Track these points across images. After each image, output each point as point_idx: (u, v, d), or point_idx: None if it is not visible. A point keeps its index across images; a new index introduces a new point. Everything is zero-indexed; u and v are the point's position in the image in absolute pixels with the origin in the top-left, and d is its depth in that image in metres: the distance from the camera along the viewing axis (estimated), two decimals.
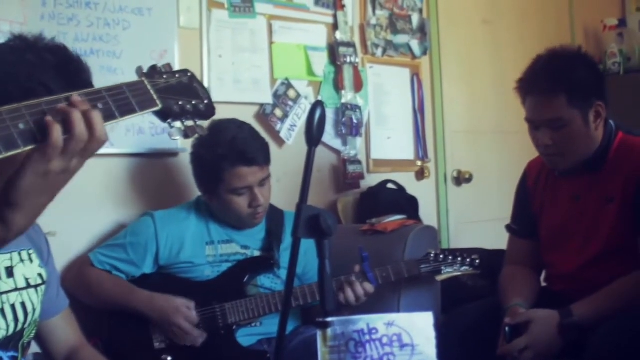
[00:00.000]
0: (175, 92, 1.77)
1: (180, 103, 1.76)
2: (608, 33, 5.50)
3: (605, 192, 2.91)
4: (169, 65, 1.84)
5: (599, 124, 2.90)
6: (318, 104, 2.06)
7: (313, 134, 2.04)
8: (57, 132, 1.46)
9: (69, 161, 1.51)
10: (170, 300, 2.98)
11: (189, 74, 1.86)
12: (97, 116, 1.52)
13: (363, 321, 1.90)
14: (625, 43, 5.45)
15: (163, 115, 1.74)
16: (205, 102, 1.83)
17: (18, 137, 1.43)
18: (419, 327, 1.92)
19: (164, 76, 1.78)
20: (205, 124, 1.85)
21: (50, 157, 1.47)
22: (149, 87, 1.69)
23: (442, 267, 3.20)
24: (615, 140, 2.95)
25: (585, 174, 2.96)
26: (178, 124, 1.77)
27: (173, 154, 3.54)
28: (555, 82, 2.84)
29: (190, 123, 1.79)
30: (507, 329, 2.81)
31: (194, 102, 1.79)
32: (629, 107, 4.25)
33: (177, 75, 1.81)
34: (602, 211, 2.90)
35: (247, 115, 3.66)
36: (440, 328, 2.24)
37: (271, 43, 3.90)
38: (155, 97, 1.69)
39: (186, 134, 1.79)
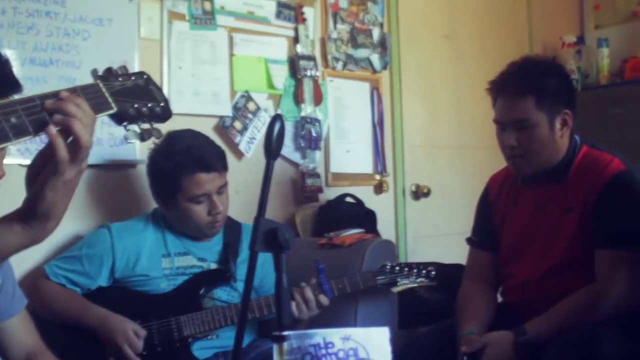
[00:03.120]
0: (131, 94, 1.76)
1: (136, 106, 1.75)
2: (566, 50, 5.55)
3: (565, 203, 2.95)
4: (124, 68, 1.83)
5: (564, 132, 2.95)
6: (277, 118, 2.06)
7: (272, 147, 2.04)
8: (61, 149, 1.52)
9: (80, 164, 1.59)
10: (121, 322, 2.91)
11: (145, 77, 1.85)
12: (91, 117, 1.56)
13: (319, 335, 1.89)
14: (584, 60, 5.51)
15: (118, 118, 1.73)
16: (162, 104, 1.82)
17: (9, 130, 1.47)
18: (375, 341, 1.91)
19: (120, 78, 1.77)
20: (161, 127, 1.84)
21: (62, 171, 1.56)
22: (104, 89, 1.69)
23: (398, 279, 3.21)
24: (580, 152, 2.99)
25: (547, 184, 3.00)
26: (134, 127, 1.76)
27: (131, 165, 3.52)
28: (525, 84, 2.91)
29: (146, 126, 1.78)
30: (465, 358, 2.83)
31: (150, 105, 1.79)
32: (587, 123, 4.29)
33: (132, 78, 1.81)
34: (562, 222, 2.94)
35: (206, 127, 3.66)
36: (399, 355, 2.25)
37: (231, 55, 3.90)
38: (110, 99, 1.68)
39: (142, 137, 1.78)
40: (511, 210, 3.12)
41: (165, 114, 1.84)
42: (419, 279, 3.24)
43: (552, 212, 2.98)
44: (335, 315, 3.12)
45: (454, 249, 3.62)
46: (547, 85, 2.91)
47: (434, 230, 4.78)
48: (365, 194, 4.39)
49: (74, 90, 1.62)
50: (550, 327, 2.78)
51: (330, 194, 4.23)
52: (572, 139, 3.01)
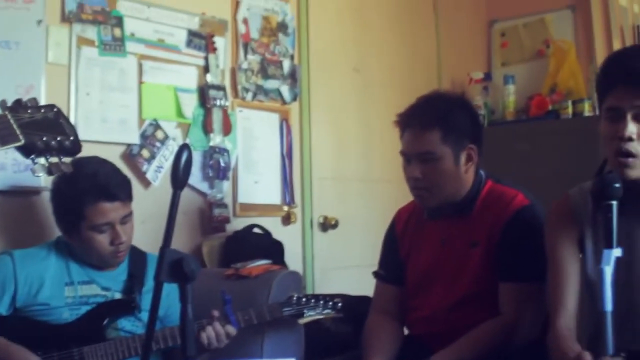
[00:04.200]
0: (39, 127, 1.73)
1: (44, 139, 1.72)
2: (474, 86, 5.65)
3: (471, 237, 2.99)
4: (34, 100, 1.80)
5: (469, 167, 3.00)
6: (184, 147, 2.06)
7: (178, 177, 2.04)
8: None
9: None
10: (22, 354, 2.83)
11: (54, 109, 1.83)
12: None
13: None
14: (490, 96, 5.62)
15: (26, 150, 1.70)
16: (71, 138, 1.80)
17: None
18: None
19: (29, 111, 1.74)
20: (70, 161, 1.81)
21: None
22: (11, 121, 1.66)
23: (305, 310, 3.20)
24: (485, 187, 3.06)
25: (453, 218, 3.05)
26: (42, 160, 1.73)
27: (35, 191, 3.45)
28: (432, 118, 2.96)
29: (54, 160, 1.76)
30: None
31: (59, 139, 1.76)
32: (493, 158, 4.36)
33: (42, 110, 1.78)
34: (467, 256, 2.99)
35: (113, 155, 3.61)
36: None
37: (141, 83, 3.86)
38: (18, 131, 1.66)
39: (50, 170, 1.76)
40: (417, 244, 3.16)
41: (75, 148, 1.81)
42: (326, 311, 3.24)
43: (458, 246, 3.02)
44: (241, 346, 3.11)
45: (361, 281, 3.63)
46: (454, 120, 2.96)
47: (342, 262, 4.79)
48: (273, 225, 4.39)
49: None
50: (455, 359, 2.81)
51: (238, 224, 4.21)
52: (477, 174, 3.06)
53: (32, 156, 1.72)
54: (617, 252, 2.26)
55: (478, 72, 5.71)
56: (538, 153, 5.11)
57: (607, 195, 2.33)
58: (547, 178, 4.60)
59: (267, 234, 4.24)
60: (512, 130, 5.40)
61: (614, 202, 2.32)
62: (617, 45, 5.31)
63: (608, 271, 2.22)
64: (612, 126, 2.45)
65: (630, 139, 2.41)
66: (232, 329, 3.01)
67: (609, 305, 2.20)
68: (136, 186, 3.24)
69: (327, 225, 4.73)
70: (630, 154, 2.42)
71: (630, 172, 2.43)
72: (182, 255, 2.00)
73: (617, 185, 2.33)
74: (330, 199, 4.81)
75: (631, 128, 2.41)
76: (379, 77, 5.20)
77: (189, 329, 1.99)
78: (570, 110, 5.19)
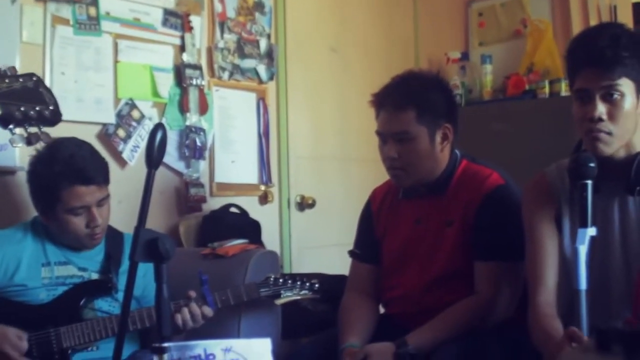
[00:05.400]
0: (18, 97, 1.71)
1: (22, 109, 1.70)
2: (451, 65, 5.64)
3: (446, 216, 3.00)
4: (13, 69, 1.78)
5: (445, 146, 3.00)
6: (159, 127, 2.05)
7: (153, 157, 2.03)
8: None
9: None
10: (0, 328, 2.86)
11: (34, 78, 1.80)
12: None
13: (200, 347, 1.88)
14: (467, 76, 5.61)
15: (4, 121, 1.68)
16: (51, 108, 1.78)
17: None
18: (256, 353, 1.91)
19: (7, 80, 1.72)
20: (51, 131, 1.80)
21: None
22: None
23: (282, 291, 3.21)
24: (460, 166, 3.06)
25: (428, 198, 3.06)
26: (20, 130, 1.72)
27: (10, 171, 3.43)
28: (407, 97, 2.95)
29: (34, 130, 1.74)
30: None
31: (38, 108, 1.74)
32: (470, 137, 4.37)
33: (21, 80, 1.76)
34: (442, 235, 2.99)
35: (89, 135, 3.60)
36: None
37: (116, 62, 3.85)
38: None
39: (29, 140, 1.74)
40: (393, 223, 3.16)
41: (55, 118, 1.79)
42: (303, 292, 3.24)
43: (433, 226, 3.03)
44: (218, 326, 3.10)
45: (338, 260, 3.64)
46: (429, 99, 2.96)
47: (319, 241, 4.80)
48: (250, 205, 4.39)
49: None
50: (431, 338, 2.82)
51: (214, 203, 4.21)
52: (453, 154, 3.06)
53: (10, 126, 1.70)
54: (591, 231, 2.27)
55: (455, 51, 5.71)
56: (515, 133, 5.12)
57: (581, 174, 2.35)
58: (524, 157, 4.61)
59: (244, 213, 4.24)
60: (489, 110, 5.40)
61: (589, 182, 2.33)
62: (593, 24, 5.31)
63: (583, 250, 2.23)
64: (582, 107, 2.47)
65: (600, 119, 2.42)
66: (208, 310, 3.01)
67: (583, 284, 2.21)
68: (112, 166, 3.22)
69: (304, 204, 4.73)
70: (603, 133, 2.44)
71: (605, 148, 2.44)
72: (157, 235, 1.99)
73: (592, 164, 2.35)
74: (308, 179, 4.81)
75: (600, 109, 2.42)
76: (356, 56, 5.19)
77: (165, 309, 1.98)
78: (547, 90, 5.19)
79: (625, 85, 2.41)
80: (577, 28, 5.32)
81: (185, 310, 2.96)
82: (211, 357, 1.88)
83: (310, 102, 4.88)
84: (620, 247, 2.54)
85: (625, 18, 5.22)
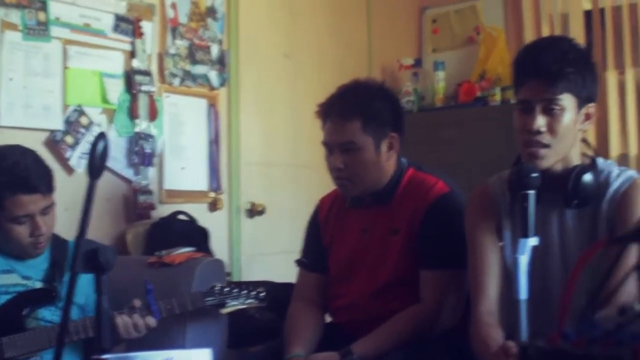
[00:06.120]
0: None
1: None
2: (404, 72, 5.68)
3: (391, 225, 3.01)
4: None
5: (391, 155, 3.01)
6: (101, 136, 2.05)
7: (95, 166, 2.02)
8: None
9: None
10: None
11: None
12: None
13: (140, 358, 1.88)
14: (420, 82, 5.64)
15: None
16: None
17: None
18: None
19: None
20: None
21: None
22: None
23: (228, 300, 3.20)
24: (405, 175, 3.07)
25: (374, 207, 3.07)
26: None
27: None
28: (352, 108, 2.95)
29: None
30: None
31: None
32: (421, 144, 4.40)
33: None
34: (388, 243, 3.01)
35: (37, 141, 3.58)
36: None
37: (65, 68, 3.82)
38: None
39: None
40: (339, 232, 3.17)
41: None
42: (249, 300, 3.23)
43: (379, 234, 3.04)
44: (164, 336, 3.09)
45: (287, 268, 3.63)
46: (374, 109, 2.97)
47: (268, 249, 4.80)
48: (200, 212, 4.37)
49: None
50: (376, 347, 2.84)
51: (163, 211, 4.19)
52: (399, 162, 3.08)
53: None
54: (533, 241, 2.31)
55: (408, 58, 5.74)
56: (466, 139, 5.17)
57: (524, 184, 2.38)
58: (474, 165, 4.66)
59: (191, 220, 4.22)
60: (440, 117, 5.45)
61: (531, 192, 2.36)
62: (546, 33, 5.39)
63: (523, 260, 2.27)
64: (523, 118, 2.51)
65: (538, 132, 2.46)
66: (152, 321, 2.99)
67: (523, 294, 2.25)
68: (59, 173, 3.20)
69: (254, 211, 4.72)
70: (540, 145, 2.47)
71: (541, 162, 2.48)
72: (97, 246, 1.99)
73: (535, 174, 2.39)
74: (258, 185, 4.81)
75: (540, 121, 2.46)
76: (309, 63, 5.20)
77: (104, 320, 1.97)
78: (498, 97, 5.24)
79: (567, 100, 2.45)
80: (529, 36, 5.39)
81: (126, 317, 2.93)
82: None
83: (262, 109, 4.88)
84: (559, 257, 2.58)
85: (577, 26, 5.29)
